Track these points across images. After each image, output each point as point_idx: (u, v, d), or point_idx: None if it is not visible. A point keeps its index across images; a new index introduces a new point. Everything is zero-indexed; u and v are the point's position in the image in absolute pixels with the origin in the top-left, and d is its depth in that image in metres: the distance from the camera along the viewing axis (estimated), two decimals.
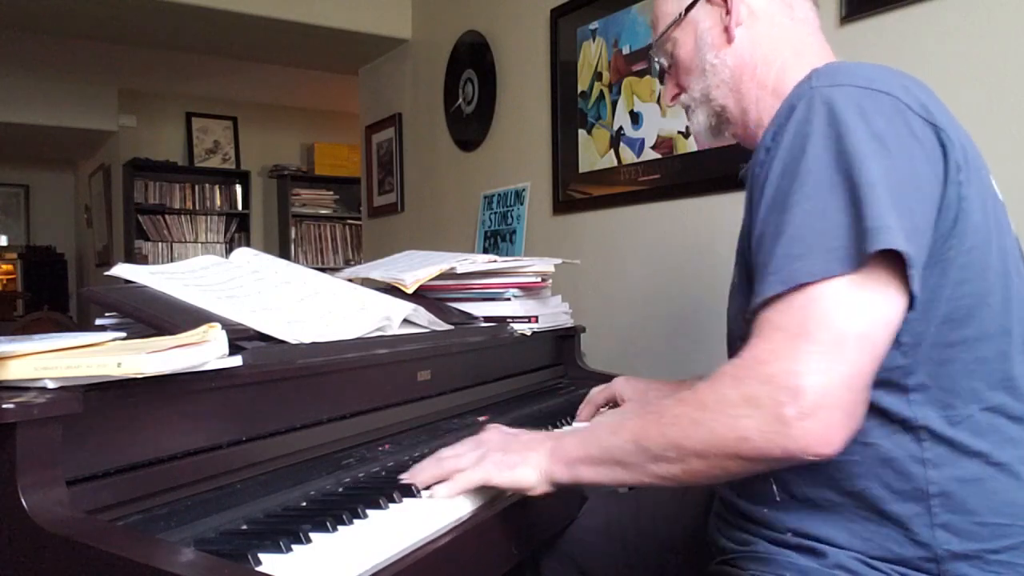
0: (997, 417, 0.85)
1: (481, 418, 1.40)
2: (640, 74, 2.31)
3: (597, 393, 1.45)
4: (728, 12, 1.06)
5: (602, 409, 1.45)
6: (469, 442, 1.00)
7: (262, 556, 0.72)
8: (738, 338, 0.94)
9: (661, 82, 2.25)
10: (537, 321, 1.62)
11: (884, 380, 0.82)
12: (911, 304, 0.79)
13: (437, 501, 0.92)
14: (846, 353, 0.75)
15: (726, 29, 1.06)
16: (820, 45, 1.07)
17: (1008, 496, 0.83)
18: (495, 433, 1.00)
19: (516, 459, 0.93)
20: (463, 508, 0.92)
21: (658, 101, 2.25)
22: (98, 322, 1.08)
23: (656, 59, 1.17)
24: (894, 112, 0.83)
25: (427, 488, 0.95)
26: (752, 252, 0.88)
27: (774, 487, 0.89)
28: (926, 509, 0.83)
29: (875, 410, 0.83)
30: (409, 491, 0.94)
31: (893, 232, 0.76)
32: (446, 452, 0.99)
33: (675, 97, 1.16)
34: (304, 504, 0.92)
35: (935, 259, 0.82)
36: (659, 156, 2.25)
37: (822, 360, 0.75)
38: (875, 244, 0.76)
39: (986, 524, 0.82)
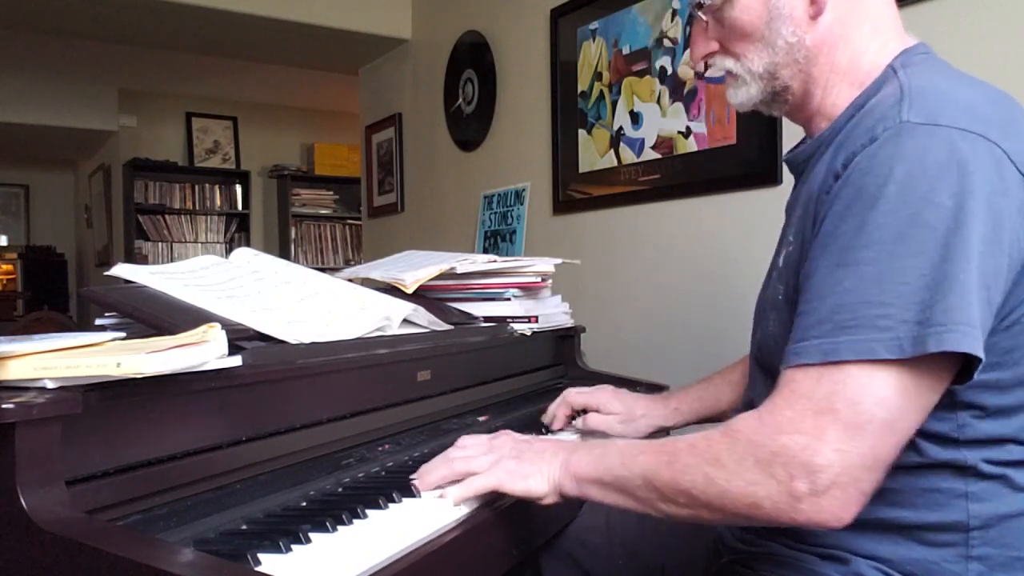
0: None
1: (481, 418, 1.40)
2: (640, 74, 2.31)
3: (575, 395, 1.31)
4: None
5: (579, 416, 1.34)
6: (479, 444, 0.98)
7: (262, 556, 0.72)
8: (774, 359, 0.89)
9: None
10: (537, 321, 1.62)
11: (932, 433, 0.80)
12: (959, 379, 0.75)
13: (437, 501, 0.92)
14: (868, 438, 0.72)
15: (814, 1, 0.90)
16: (895, 19, 0.93)
17: None
18: (507, 439, 0.98)
19: (529, 469, 0.92)
20: (463, 508, 0.92)
21: (658, 101, 2.25)
22: (98, 322, 1.07)
23: (698, 14, 0.98)
24: (991, 163, 0.75)
25: (437, 488, 0.93)
26: (799, 281, 0.83)
27: None
28: (964, 541, 0.81)
29: (918, 450, 0.81)
30: (409, 491, 0.94)
31: (965, 332, 0.70)
32: (455, 453, 0.97)
33: (710, 56, 0.99)
34: (304, 504, 0.92)
35: (1007, 324, 0.78)
36: (659, 156, 2.25)
37: (842, 440, 0.72)
38: (939, 345, 0.70)
39: (1022, 558, 0.81)
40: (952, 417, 0.80)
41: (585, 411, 1.32)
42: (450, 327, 1.42)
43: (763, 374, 0.97)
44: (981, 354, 0.72)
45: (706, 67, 1.01)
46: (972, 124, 0.76)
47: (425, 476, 0.95)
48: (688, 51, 2.13)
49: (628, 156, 2.35)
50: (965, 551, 0.81)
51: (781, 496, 0.74)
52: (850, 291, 0.75)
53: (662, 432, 1.28)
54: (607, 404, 1.28)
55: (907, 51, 0.91)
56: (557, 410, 1.32)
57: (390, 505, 0.90)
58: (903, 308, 0.72)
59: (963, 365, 0.75)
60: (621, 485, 0.85)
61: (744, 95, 0.97)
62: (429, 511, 0.89)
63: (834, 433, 0.72)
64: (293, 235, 6.23)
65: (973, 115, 0.77)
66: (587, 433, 1.28)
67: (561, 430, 1.32)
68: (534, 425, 1.34)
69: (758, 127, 1.97)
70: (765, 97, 0.97)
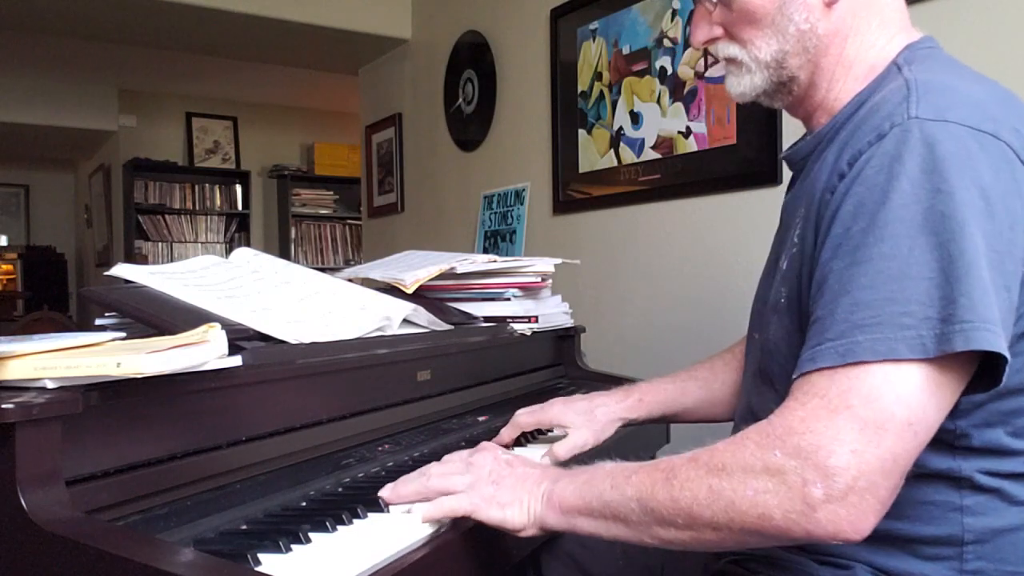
0: None
1: (481, 418, 1.40)
2: (640, 74, 2.31)
3: (524, 416, 1.17)
4: None
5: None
6: (459, 462, 0.92)
7: (262, 556, 0.72)
8: (776, 365, 0.86)
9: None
10: (537, 321, 1.62)
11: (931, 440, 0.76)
12: (983, 386, 0.72)
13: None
14: (887, 437, 0.67)
15: None
16: (903, 12, 0.90)
17: None
18: (488, 458, 0.90)
19: (508, 497, 0.85)
20: None
21: (658, 101, 2.25)
22: (98, 322, 1.08)
23: None
24: (1003, 163, 0.72)
25: (408, 504, 0.88)
26: (810, 290, 0.79)
27: None
28: (958, 555, 0.79)
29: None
30: None
31: (991, 330, 0.67)
32: (434, 469, 0.91)
33: (712, 41, 0.95)
34: (304, 504, 0.92)
35: (1019, 330, 0.75)
36: (659, 156, 2.25)
37: (859, 440, 0.67)
38: (966, 343, 0.67)
39: (1017, 573, 0.79)
40: (952, 427, 0.78)
41: (540, 431, 1.25)
42: (450, 327, 1.42)
43: (762, 380, 0.94)
44: (1007, 353, 0.68)
45: (707, 55, 0.97)
46: (982, 122, 0.74)
47: (399, 488, 0.89)
48: (688, 51, 2.13)
49: (628, 156, 2.35)
50: (959, 564, 0.79)
51: (794, 504, 0.68)
52: (866, 288, 0.71)
53: (627, 425, 1.20)
54: (560, 418, 1.16)
55: (911, 45, 0.88)
56: (504, 433, 1.18)
57: (390, 505, 0.90)
58: (926, 305, 0.69)
59: (979, 367, 0.72)
60: (612, 511, 0.78)
61: (748, 84, 0.93)
62: None
63: (850, 433, 0.67)
64: (293, 235, 6.23)
65: (983, 113, 0.75)
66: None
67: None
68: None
69: (757, 127, 1.97)
70: (769, 87, 0.93)
